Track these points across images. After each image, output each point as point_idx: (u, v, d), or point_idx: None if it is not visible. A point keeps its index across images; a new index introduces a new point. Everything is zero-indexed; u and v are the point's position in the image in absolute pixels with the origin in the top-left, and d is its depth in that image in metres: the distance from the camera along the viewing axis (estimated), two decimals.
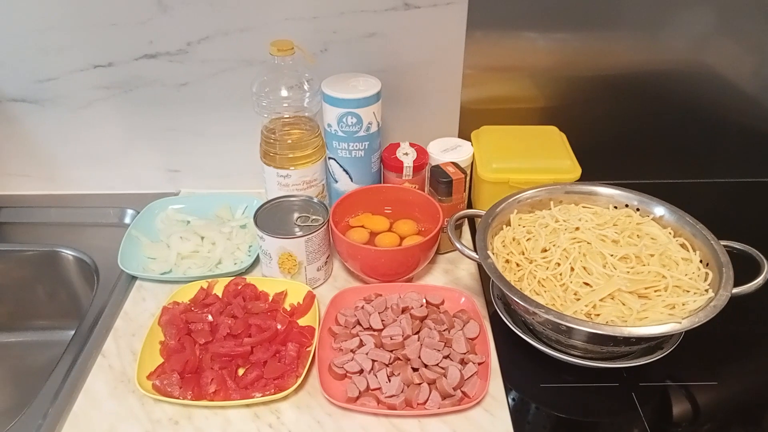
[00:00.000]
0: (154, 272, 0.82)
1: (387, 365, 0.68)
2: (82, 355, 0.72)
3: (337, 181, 0.88)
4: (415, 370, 0.67)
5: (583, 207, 0.79)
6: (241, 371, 0.69)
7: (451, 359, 0.68)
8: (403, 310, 0.73)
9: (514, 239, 0.75)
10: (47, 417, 0.64)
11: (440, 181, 0.80)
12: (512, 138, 0.92)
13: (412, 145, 0.87)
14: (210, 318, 0.73)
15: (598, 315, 0.64)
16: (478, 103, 0.95)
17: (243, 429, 0.63)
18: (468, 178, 0.85)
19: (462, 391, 0.65)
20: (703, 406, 0.67)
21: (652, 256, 0.69)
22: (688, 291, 0.66)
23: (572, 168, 0.87)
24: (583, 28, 0.89)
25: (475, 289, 0.81)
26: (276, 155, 0.82)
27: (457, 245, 0.72)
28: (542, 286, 0.68)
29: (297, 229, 0.77)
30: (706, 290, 0.65)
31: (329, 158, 0.87)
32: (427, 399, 0.64)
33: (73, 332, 0.75)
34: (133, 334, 0.75)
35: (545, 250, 0.72)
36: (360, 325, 0.72)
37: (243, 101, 0.89)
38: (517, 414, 0.65)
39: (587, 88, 0.95)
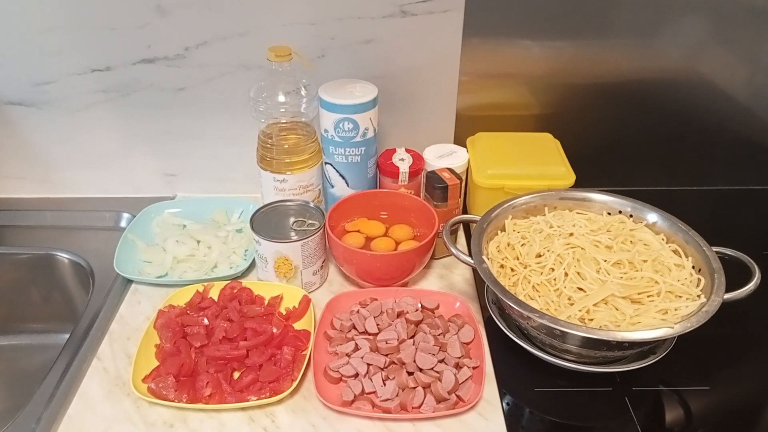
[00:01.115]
0: (150, 276, 0.82)
1: (382, 369, 0.68)
2: (77, 358, 0.72)
3: (333, 186, 0.89)
4: (410, 374, 0.67)
5: (577, 213, 0.79)
6: (236, 375, 0.69)
7: (446, 363, 0.68)
8: (399, 315, 0.73)
9: (508, 244, 0.75)
10: (41, 421, 0.64)
11: (436, 186, 0.80)
12: (507, 144, 0.93)
13: (408, 150, 0.88)
14: (206, 321, 0.73)
15: (592, 320, 0.65)
16: (474, 110, 0.96)
17: None
18: (463, 184, 0.86)
19: (457, 395, 0.65)
20: (696, 411, 0.67)
21: (645, 261, 0.69)
22: (680, 296, 0.66)
23: (566, 174, 0.87)
24: (578, 36, 0.90)
25: (470, 294, 0.82)
26: (273, 160, 0.82)
27: (453, 250, 0.72)
28: (536, 291, 0.69)
29: (293, 234, 0.78)
30: (699, 296, 0.66)
31: (326, 163, 0.87)
32: (422, 403, 0.64)
33: (68, 335, 0.75)
34: (128, 337, 0.75)
35: (539, 256, 0.73)
36: (355, 329, 0.73)
37: (240, 106, 0.89)
38: (511, 418, 0.65)
39: (582, 95, 0.95)
